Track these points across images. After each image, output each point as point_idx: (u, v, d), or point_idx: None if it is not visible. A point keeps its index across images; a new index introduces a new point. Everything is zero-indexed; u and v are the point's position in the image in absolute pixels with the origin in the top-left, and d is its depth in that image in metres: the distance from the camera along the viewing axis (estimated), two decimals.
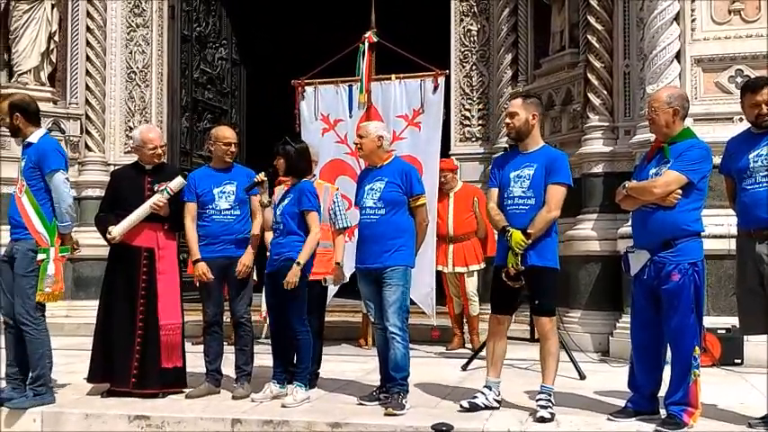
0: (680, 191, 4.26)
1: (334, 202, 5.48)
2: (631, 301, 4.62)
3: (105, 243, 5.46)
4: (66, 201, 4.91)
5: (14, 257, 4.92)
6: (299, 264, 4.89)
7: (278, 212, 5.08)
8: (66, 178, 4.94)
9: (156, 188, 5.21)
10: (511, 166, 4.70)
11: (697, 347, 4.28)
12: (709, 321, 6.27)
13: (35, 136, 5.00)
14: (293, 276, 4.88)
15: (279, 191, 5.24)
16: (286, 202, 5.06)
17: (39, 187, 4.90)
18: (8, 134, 5.52)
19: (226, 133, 5.37)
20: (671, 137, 4.37)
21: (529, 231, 4.49)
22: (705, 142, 4.49)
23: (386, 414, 4.61)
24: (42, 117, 9.07)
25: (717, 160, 6.41)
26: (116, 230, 5.14)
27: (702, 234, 6.33)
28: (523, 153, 4.70)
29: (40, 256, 4.86)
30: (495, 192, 4.76)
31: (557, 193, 4.56)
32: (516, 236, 4.48)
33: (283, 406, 4.84)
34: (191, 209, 5.25)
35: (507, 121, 4.72)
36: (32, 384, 4.93)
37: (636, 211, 4.46)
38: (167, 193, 5.18)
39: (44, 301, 4.90)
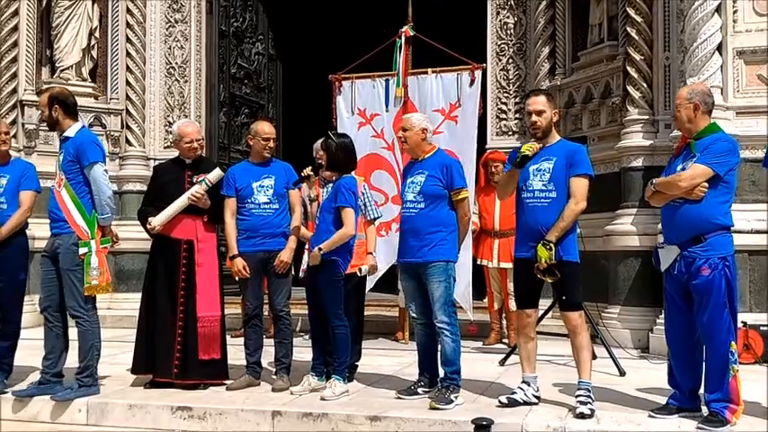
0: (706, 184, 4.25)
1: (363, 194, 5.49)
2: (664, 297, 4.59)
3: (146, 236, 5.56)
4: (106, 192, 4.97)
5: (57, 253, 5.00)
6: (320, 249, 4.93)
7: (317, 208, 5.12)
8: (105, 170, 5.00)
9: (194, 180, 5.28)
10: (530, 160, 4.68)
11: (733, 342, 4.25)
12: (751, 318, 6.22)
13: (72, 130, 5.06)
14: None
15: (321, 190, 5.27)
16: (324, 197, 5.10)
17: (78, 180, 4.97)
18: (49, 129, 5.61)
19: (265, 128, 5.41)
20: (696, 132, 4.37)
21: (549, 239, 4.45)
22: (731, 136, 4.50)
23: (430, 408, 4.61)
24: (84, 112, 9.46)
25: (759, 154, 6.41)
26: (156, 221, 5.22)
27: (744, 230, 6.35)
28: (541, 147, 4.69)
29: (82, 250, 4.92)
30: (505, 176, 4.84)
31: (581, 185, 4.56)
32: (542, 252, 4.44)
33: (322, 399, 4.88)
34: (230, 203, 5.30)
35: (535, 119, 4.66)
36: (80, 375, 5.02)
37: (664, 207, 4.45)
38: (206, 184, 5.25)
39: (92, 293, 4.97)
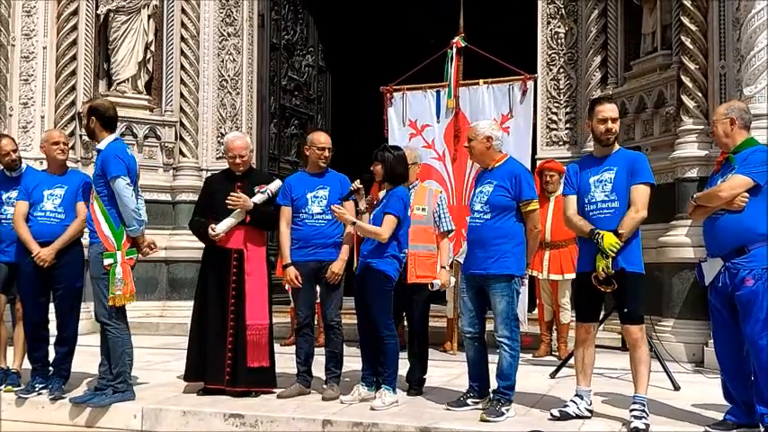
0: (746, 194, 4.24)
1: (439, 205, 5.53)
2: (710, 311, 4.53)
3: (199, 245, 5.65)
4: (129, 206, 5.03)
5: (90, 261, 5.15)
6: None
7: (370, 218, 5.15)
8: (128, 183, 5.05)
9: (255, 190, 5.36)
10: (589, 171, 4.65)
11: None
12: None
13: (104, 143, 5.17)
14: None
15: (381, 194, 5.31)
16: (378, 207, 5.13)
17: (105, 194, 5.06)
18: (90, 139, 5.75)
19: (321, 138, 5.45)
20: (735, 147, 4.38)
21: (620, 232, 4.42)
22: None
23: (481, 420, 4.58)
24: (139, 124, 9.71)
25: None
26: (219, 228, 5.30)
27: None
28: (599, 157, 4.64)
29: (107, 261, 5.03)
30: (573, 199, 4.69)
31: (643, 194, 4.50)
32: (608, 237, 4.41)
33: (372, 409, 4.88)
34: (285, 212, 5.35)
35: (611, 126, 4.60)
36: (114, 381, 5.11)
37: (706, 220, 4.41)
38: (267, 194, 5.33)
39: (117, 303, 5.05)
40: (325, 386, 5.33)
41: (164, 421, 4.96)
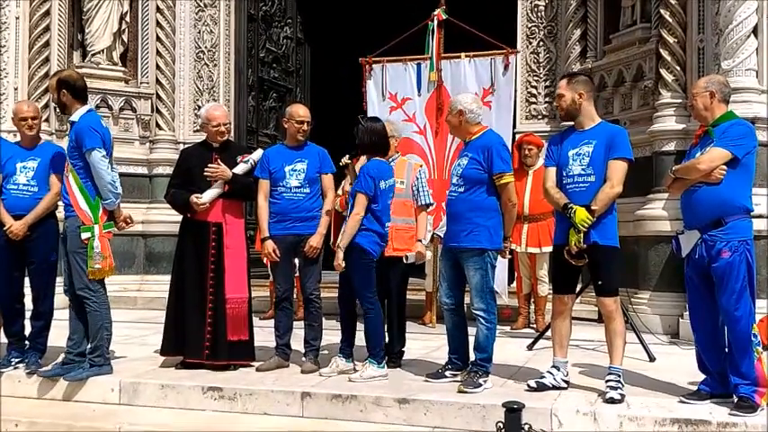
0: (725, 167, 4.27)
1: (418, 179, 5.53)
2: (686, 283, 4.57)
3: (176, 219, 5.61)
4: (105, 178, 4.99)
5: (66, 235, 5.10)
6: (339, 247, 5.01)
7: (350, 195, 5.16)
8: (104, 156, 5.00)
9: (238, 159, 5.32)
10: (568, 144, 4.66)
11: (755, 325, 4.26)
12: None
13: (77, 114, 5.10)
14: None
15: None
16: (354, 182, 5.13)
17: (80, 166, 5.01)
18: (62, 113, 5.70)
19: (299, 111, 5.40)
20: (714, 120, 4.40)
21: (593, 208, 4.44)
22: (747, 120, 4.56)
23: (459, 391, 4.62)
24: (114, 96, 9.57)
25: None
26: (205, 198, 5.25)
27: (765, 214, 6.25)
28: (580, 131, 4.66)
29: (84, 235, 4.99)
30: (552, 170, 4.71)
31: (619, 169, 4.52)
32: (580, 213, 4.44)
33: (350, 380, 4.91)
34: (263, 185, 5.32)
35: (555, 103, 4.73)
36: (90, 355, 5.10)
37: (683, 193, 4.44)
38: (250, 164, 5.30)
39: (95, 277, 5.02)
40: (304, 359, 5.33)
41: (141, 395, 4.95)
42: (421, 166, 5.85)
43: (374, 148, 5.11)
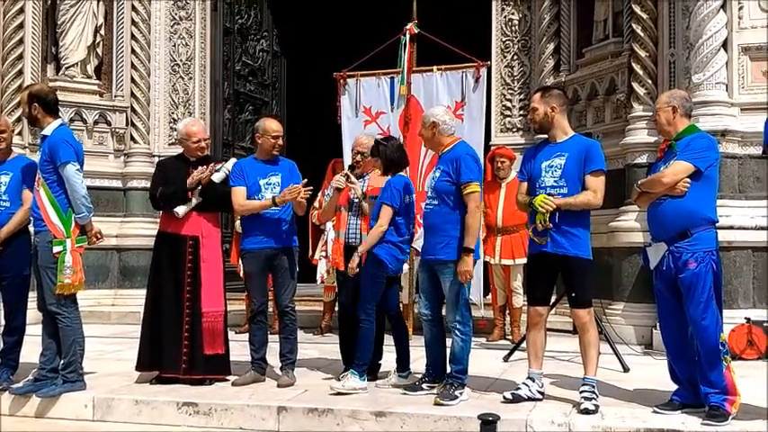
0: (688, 179, 4.34)
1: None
2: (655, 295, 4.64)
3: (151, 233, 5.57)
4: (79, 192, 4.96)
5: (37, 250, 5.05)
6: (358, 255, 5.04)
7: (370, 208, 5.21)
8: (78, 169, 4.98)
9: (211, 168, 5.27)
10: (542, 156, 4.71)
11: (723, 334, 4.32)
12: (755, 314, 6.23)
13: (50, 128, 5.06)
14: (351, 263, 5.05)
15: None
16: (358, 192, 5.22)
17: (53, 180, 4.97)
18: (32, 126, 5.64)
19: (273, 126, 5.39)
20: (677, 134, 4.47)
21: (558, 202, 4.50)
22: (709, 134, 4.70)
23: (435, 404, 4.63)
24: (88, 109, 9.51)
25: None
26: (182, 210, 5.23)
27: (748, 226, 6.37)
28: (553, 144, 4.72)
29: (56, 249, 4.94)
30: (524, 185, 4.78)
31: (600, 183, 4.59)
32: (539, 197, 4.51)
33: (330, 387, 4.93)
34: (242, 191, 5.26)
35: (529, 116, 4.82)
36: (63, 371, 5.05)
37: (649, 206, 4.51)
38: (224, 172, 5.28)
39: (65, 292, 4.97)
40: (280, 373, 5.32)
41: (115, 411, 4.91)
42: None
43: (400, 164, 5.20)
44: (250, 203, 5.27)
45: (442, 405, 4.60)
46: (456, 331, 4.82)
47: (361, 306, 5.07)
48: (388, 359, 5.75)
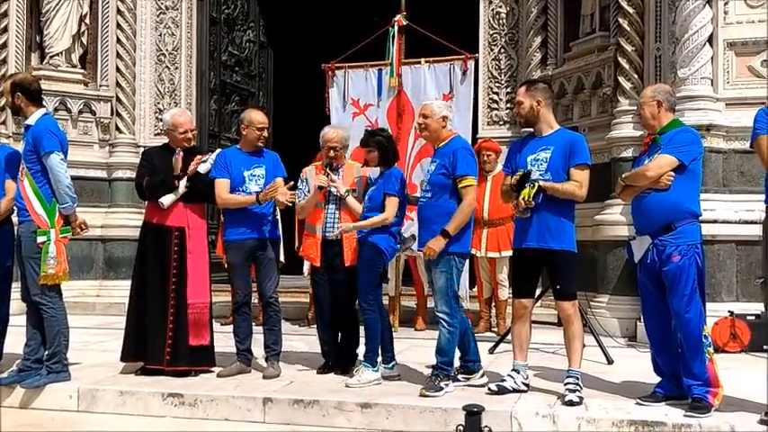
0: (672, 173, 4.37)
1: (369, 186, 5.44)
2: (639, 288, 4.67)
3: (136, 224, 5.54)
4: (63, 182, 4.93)
5: (21, 240, 5.02)
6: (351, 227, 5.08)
7: (366, 198, 5.18)
8: (62, 159, 4.95)
9: (197, 159, 5.24)
10: (527, 150, 4.73)
11: (706, 327, 4.36)
12: (738, 307, 6.29)
13: (33, 118, 5.03)
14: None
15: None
16: (374, 186, 5.15)
17: (36, 170, 4.93)
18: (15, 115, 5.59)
19: (259, 118, 5.36)
20: (660, 128, 4.51)
21: (543, 184, 4.51)
22: (693, 129, 4.71)
23: (420, 395, 4.65)
24: (73, 99, 9.44)
25: (748, 145, 6.47)
26: (168, 200, 5.20)
27: (732, 220, 6.42)
28: (538, 137, 4.74)
29: (40, 239, 4.91)
30: (509, 179, 4.79)
31: (585, 176, 4.61)
32: (525, 190, 4.50)
33: (347, 386, 4.90)
34: (226, 184, 5.25)
35: (515, 110, 4.84)
36: (48, 362, 5.02)
37: (634, 200, 4.54)
38: (210, 163, 5.27)
39: (48, 282, 4.94)
40: (265, 364, 5.32)
41: (100, 402, 4.89)
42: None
43: (396, 156, 5.26)
44: (232, 198, 5.25)
45: (428, 396, 4.62)
46: (443, 323, 4.83)
47: (363, 297, 5.06)
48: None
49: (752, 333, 6.13)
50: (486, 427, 3.54)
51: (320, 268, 5.39)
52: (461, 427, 3.52)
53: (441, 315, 4.84)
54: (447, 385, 4.76)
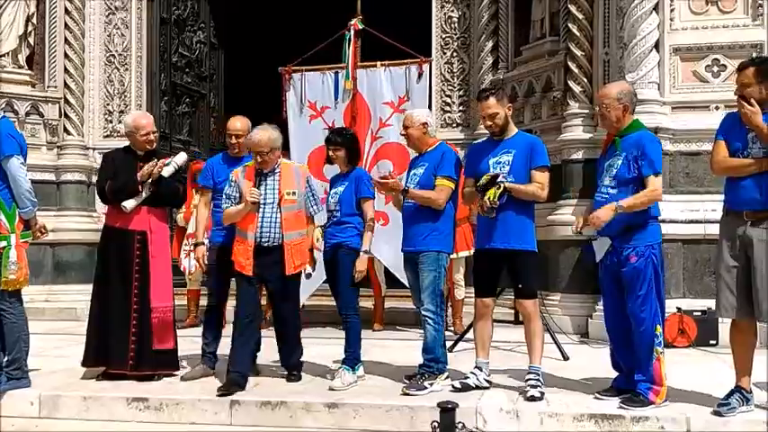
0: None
1: (309, 187, 5.22)
2: (600, 287, 4.81)
3: (86, 228, 5.48)
4: (23, 186, 4.88)
5: None
6: (366, 252, 5.07)
7: (332, 200, 5.18)
8: (22, 163, 4.90)
9: (160, 163, 5.20)
10: (489, 154, 4.83)
11: (659, 326, 4.48)
12: (686, 304, 6.52)
13: None
14: (362, 265, 5.05)
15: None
16: (342, 189, 5.15)
17: None
18: None
19: (235, 124, 5.47)
20: (620, 130, 4.58)
21: (507, 185, 4.61)
22: (651, 131, 4.82)
23: (402, 394, 4.71)
24: (20, 100, 9.25)
25: (693, 147, 6.78)
26: (130, 204, 5.15)
27: (679, 219, 6.64)
28: (499, 141, 4.85)
29: (1, 244, 4.85)
30: (471, 180, 4.91)
31: (545, 176, 4.75)
32: (491, 191, 4.59)
33: (331, 389, 4.89)
34: (207, 195, 5.33)
35: (489, 123, 4.80)
36: (7, 368, 4.95)
37: (594, 202, 4.66)
38: (174, 166, 5.24)
39: (9, 288, 4.88)
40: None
41: (63, 408, 4.84)
42: (305, 167, 5.71)
43: (358, 157, 5.35)
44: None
45: (411, 395, 4.69)
46: (429, 320, 4.91)
47: (347, 303, 5.10)
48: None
49: (699, 328, 6.37)
50: (459, 422, 3.63)
51: (251, 276, 5.00)
52: (436, 424, 3.59)
53: (426, 313, 4.93)
54: (432, 384, 4.82)
